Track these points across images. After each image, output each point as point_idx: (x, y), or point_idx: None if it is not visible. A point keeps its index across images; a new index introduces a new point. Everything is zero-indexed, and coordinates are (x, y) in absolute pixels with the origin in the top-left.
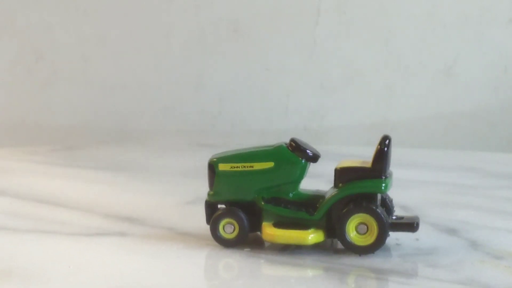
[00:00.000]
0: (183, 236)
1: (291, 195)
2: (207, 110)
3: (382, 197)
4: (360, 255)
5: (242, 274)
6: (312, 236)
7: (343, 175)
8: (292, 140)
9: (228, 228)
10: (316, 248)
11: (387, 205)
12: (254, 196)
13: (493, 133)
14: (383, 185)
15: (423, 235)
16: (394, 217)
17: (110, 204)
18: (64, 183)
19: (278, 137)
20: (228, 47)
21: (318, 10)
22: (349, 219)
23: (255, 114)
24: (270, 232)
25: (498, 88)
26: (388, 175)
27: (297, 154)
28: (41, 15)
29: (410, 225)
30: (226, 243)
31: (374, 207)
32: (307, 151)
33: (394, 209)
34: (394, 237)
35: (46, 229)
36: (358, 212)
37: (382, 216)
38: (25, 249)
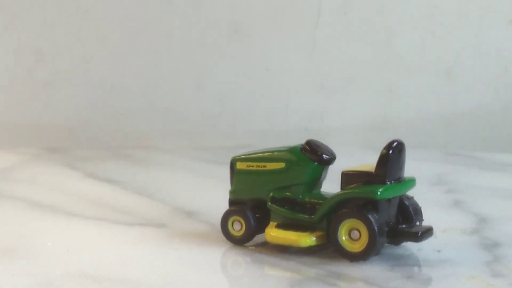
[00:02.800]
0: (215, 233)
1: (301, 196)
2: (208, 111)
3: (403, 204)
4: (351, 261)
5: (215, 271)
6: (306, 239)
7: (348, 179)
8: (307, 142)
9: (236, 226)
10: (316, 250)
11: (408, 213)
12: (267, 196)
13: (493, 133)
14: (379, 190)
15: (453, 247)
16: (404, 226)
17: (192, 197)
18: (176, 176)
19: (278, 137)
20: (228, 48)
21: (318, 11)
22: (341, 224)
23: (255, 114)
24: (269, 232)
25: (498, 88)
26: (394, 181)
27: (309, 157)
28: (41, 15)
29: (413, 235)
30: (234, 240)
31: (365, 213)
32: (322, 154)
33: (422, 217)
34: (417, 246)
35: (103, 217)
36: (349, 217)
37: (373, 222)
38: (53, 231)
